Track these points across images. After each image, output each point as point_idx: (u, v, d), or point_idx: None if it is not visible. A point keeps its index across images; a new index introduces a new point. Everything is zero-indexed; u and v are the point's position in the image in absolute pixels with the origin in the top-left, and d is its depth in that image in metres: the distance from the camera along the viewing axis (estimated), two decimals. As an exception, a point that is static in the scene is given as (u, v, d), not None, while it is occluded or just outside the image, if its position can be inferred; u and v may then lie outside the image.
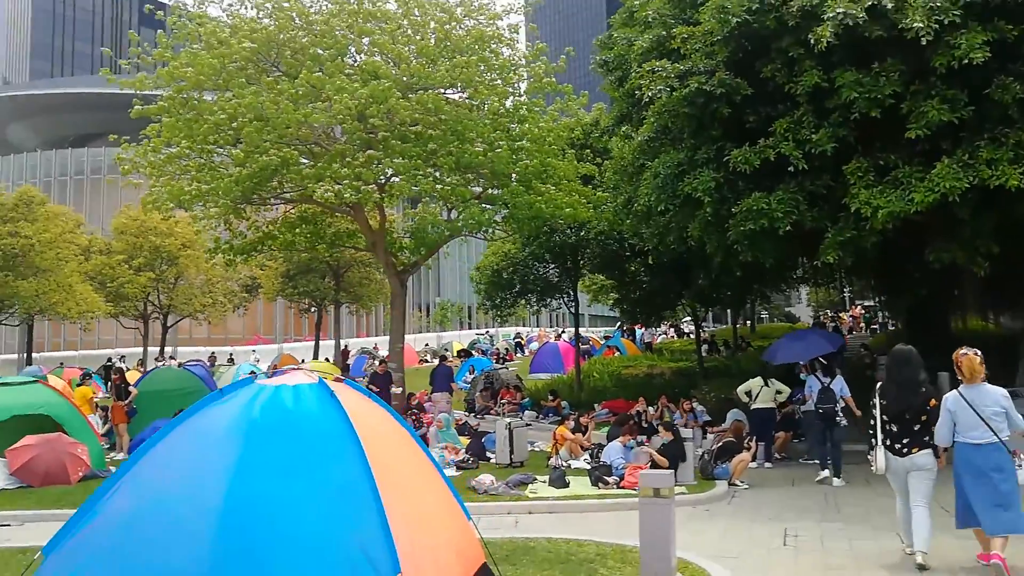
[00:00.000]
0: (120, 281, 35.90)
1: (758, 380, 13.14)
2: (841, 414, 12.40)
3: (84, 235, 38.24)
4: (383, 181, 16.23)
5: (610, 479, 10.01)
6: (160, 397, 15.53)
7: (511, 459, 12.19)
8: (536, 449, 14.05)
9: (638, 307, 23.87)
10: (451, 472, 11.89)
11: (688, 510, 9.30)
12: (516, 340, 45.99)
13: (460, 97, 17.18)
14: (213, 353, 44.82)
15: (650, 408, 17.20)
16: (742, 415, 14.02)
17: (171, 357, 38.23)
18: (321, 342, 47.79)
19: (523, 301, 24.40)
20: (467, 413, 22.95)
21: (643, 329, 38.57)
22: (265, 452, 3.93)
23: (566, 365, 29.05)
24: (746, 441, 11.06)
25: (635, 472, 9.99)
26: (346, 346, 44.99)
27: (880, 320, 44.16)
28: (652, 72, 11.59)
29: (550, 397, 20.93)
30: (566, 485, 10.16)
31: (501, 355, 39.02)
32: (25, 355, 39.07)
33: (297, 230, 20.78)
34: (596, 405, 21.00)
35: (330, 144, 15.99)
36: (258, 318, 64.52)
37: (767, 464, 12.89)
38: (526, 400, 22.18)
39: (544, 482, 10.43)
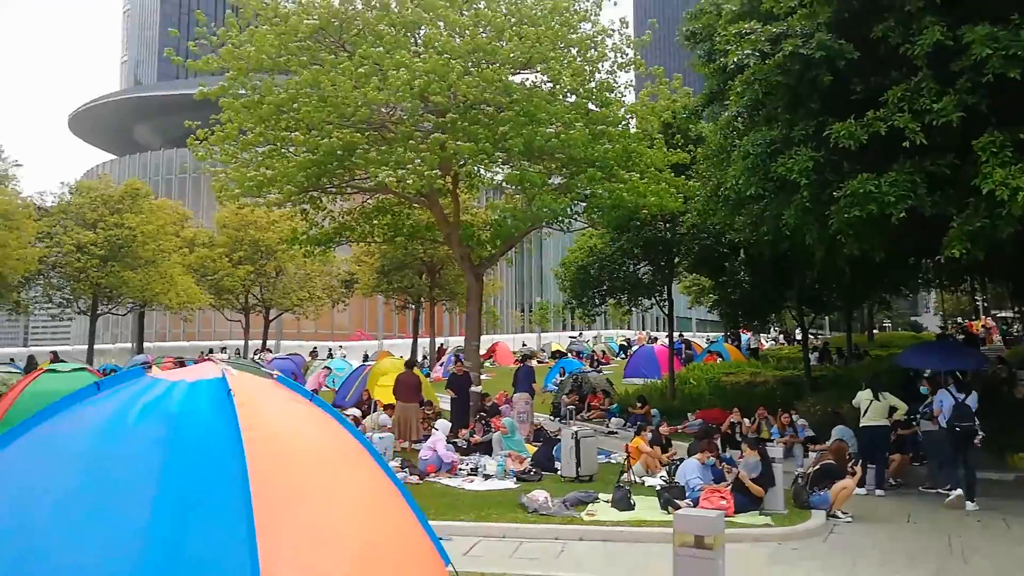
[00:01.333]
0: (221, 274, 36.72)
1: (867, 393, 11.36)
2: (980, 432, 10.63)
3: (190, 229, 39.42)
4: (453, 169, 15.27)
5: (682, 503, 8.60)
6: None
7: (577, 472, 10.94)
8: (612, 461, 12.74)
9: (738, 310, 22.00)
10: (508, 484, 10.77)
11: (772, 548, 7.81)
12: (621, 343, 44.34)
13: (533, 78, 16.06)
14: (315, 348, 45.56)
15: (746, 420, 15.53)
16: (849, 432, 12.25)
17: (267, 350, 38.85)
18: (420, 339, 47.89)
19: (612, 301, 22.97)
20: (552, 418, 21.80)
21: (749, 334, 36.32)
22: (124, 465, 2.95)
23: (662, 370, 27.36)
24: (850, 465, 9.39)
25: (712, 495, 8.57)
26: (442, 344, 44.71)
27: (1017, 332, 39.91)
28: (740, 36, 10.07)
29: (638, 404, 19.46)
30: (631, 507, 8.83)
31: (596, 358, 37.51)
32: (136, 344, 40.67)
33: (375, 221, 20.25)
34: (689, 414, 19.41)
35: (396, 127, 15.17)
36: (363, 314, 65.59)
37: (879, 491, 11.10)
38: (614, 406, 20.79)
39: (608, 502, 9.13)
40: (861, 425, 11.35)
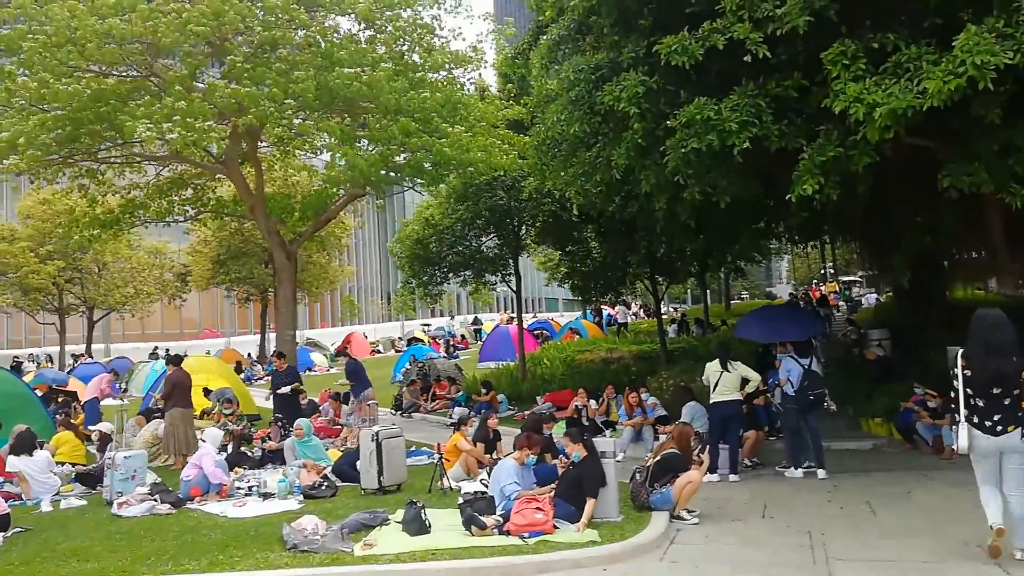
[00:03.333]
0: (24, 271, 32.07)
1: (715, 365, 9.84)
2: (829, 399, 9.69)
3: (-15, 224, 34.38)
4: (241, 124, 12.70)
5: (488, 520, 6.64)
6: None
7: (380, 483, 8.78)
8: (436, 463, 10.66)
9: (590, 282, 20.46)
10: (290, 504, 8.49)
11: (596, 575, 5.95)
12: (475, 327, 42.47)
13: (350, 26, 13.72)
14: (155, 348, 41.23)
15: (592, 402, 13.90)
16: (701, 410, 10.75)
17: (80, 356, 34.50)
18: (271, 334, 44.40)
19: (457, 279, 20.94)
20: (393, 411, 19.59)
21: (612, 310, 35.35)
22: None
23: (518, 350, 25.69)
24: (696, 452, 7.74)
25: (526, 507, 6.64)
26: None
27: (857, 296, 41.03)
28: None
29: (483, 390, 17.57)
30: (425, 530, 6.76)
31: (452, 343, 35.54)
32: (-73, 358, 35.21)
33: (173, 197, 17.32)
34: (538, 398, 17.71)
35: (166, 75, 12.44)
36: (213, 310, 60.82)
37: (732, 477, 9.61)
38: (460, 394, 18.82)
39: (399, 523, 7.03)
40: (711, 401, 9.84)
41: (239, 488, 9.08)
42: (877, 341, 15.11)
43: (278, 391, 13.61)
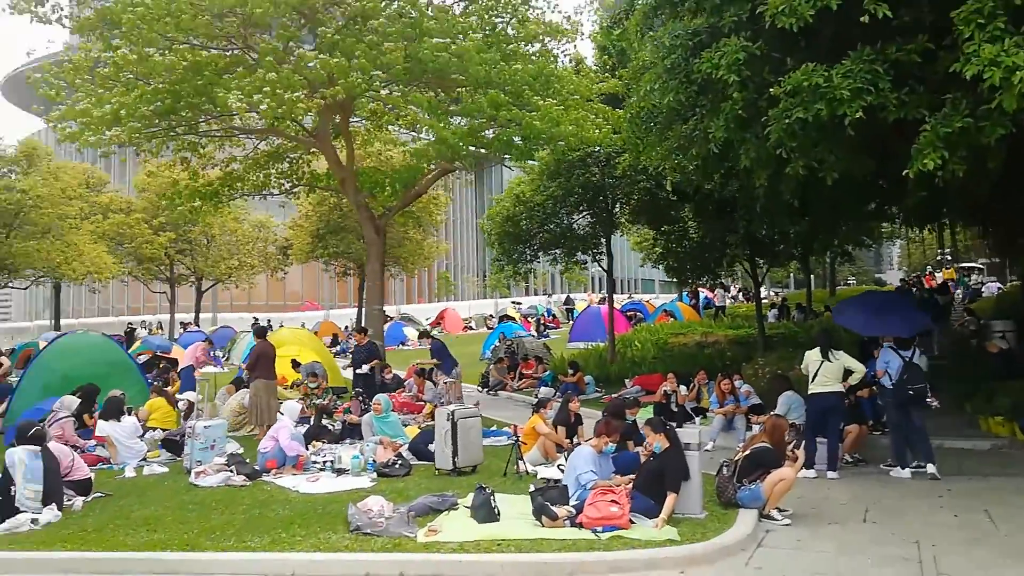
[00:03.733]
0: (139, 241, 33.70)
1: (816, 353, 9.12)
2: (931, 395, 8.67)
3: (107, 194, 36.24)
4: (328, 95, 12.63)
5: (560, 511, 6.28)
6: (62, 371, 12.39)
7: (454, 464, 8.55)
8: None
9: (686, 263, 19.69)
10: (362, 481, 8.37)
11: (672, 576, 5.50)
12: (567, 306, 42.02)
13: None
14: (256, 319, 42.80)
15: (682, 387, 13.29)
16: (798, 400, 10.04)
17: (185, 324, 36.03)
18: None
19: (547, 257, 20.55)
20: (480, 388, 19.49)
21: (709, 292, 34.18)
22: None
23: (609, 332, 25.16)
24: (790, 448, 7.12)
25: (601, 499, 6.25)
26: (384, 312, 42.26)
27: (976, 284, 38.09)
28: None
29: (569, 371, 17.18)
30: (495, 517, 6.47)
31: (544, 321, 35.23)
32: (53, 321, 37.61)
33: (270, 170, 17.61)
34: (627, 380, 17.21)
35: (260, 47, 12.48)
36: (314, 283, 62.66)
37: (831, 474, 8.90)
38: (547, 374, 18.51)
39: (468, 508, 6.76)
40: (809, 392, 9.14)
41: (315, 462, 9.05)
42: (1000, 332, 13.85)
43: (357, 371, 13.64)
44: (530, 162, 20.96)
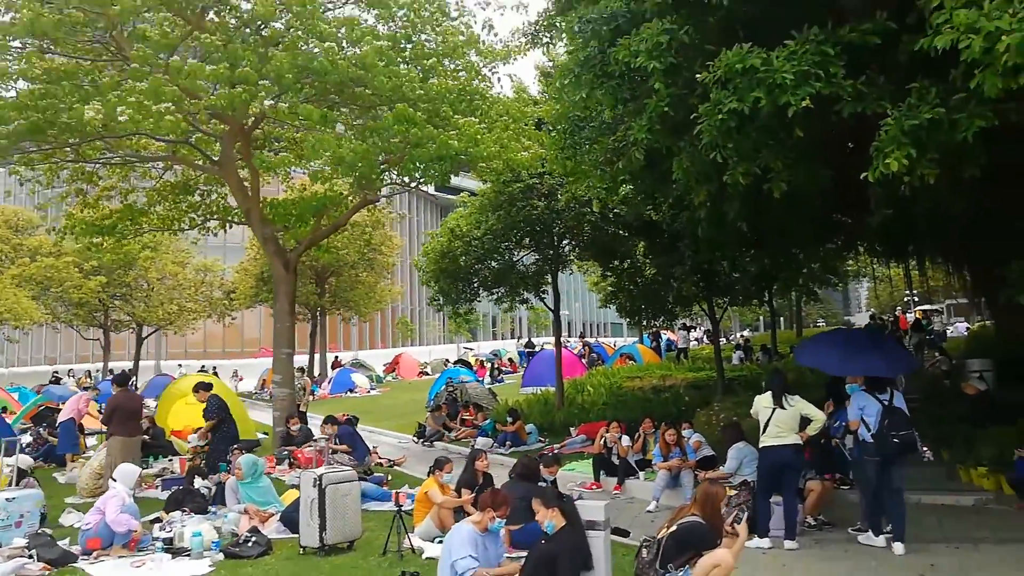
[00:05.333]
0: (67, 286, 31.67)
1: (767, 399, 7.64)
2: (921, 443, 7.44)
3: (35, 237, 34.26)
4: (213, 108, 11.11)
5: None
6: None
7: (322, 540, 6.87)
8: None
9: (640, 302, 18.27)
10: (200, 569, 6.62)
11: None
12: (528, 349, 40.38)
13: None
14: (203, 366, 40.64)
15: (624, 439, 11.71)
16: (753, 453, 8.49)
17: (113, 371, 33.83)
18: (329, 353, 43.34)
19: (490, 297, 19.05)
20: (416, 439, 17.77)
21: (673, 335, 32.81)
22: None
23: (564, 375, 23.59)
24: (729, 521, 5.57)
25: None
26: (336, 357, 40.31)
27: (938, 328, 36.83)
28: None
29: (509, 420, 15.57)
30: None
31: (498, 366, 33.59)
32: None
33: (178, 203, 16.01)
34: (572, 429, 15.62)
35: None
36: (270, 328, 60.54)
37: (788, 543, 7.35)
38: (487, 422, 16.85)
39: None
40: (761, 445, 7.63)
41: (156, 539, 7.30)
42: (978, 373, 12.51)
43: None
44: (471, 195, 19.69)
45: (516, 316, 73.62)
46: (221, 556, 6.86)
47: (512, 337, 65.36)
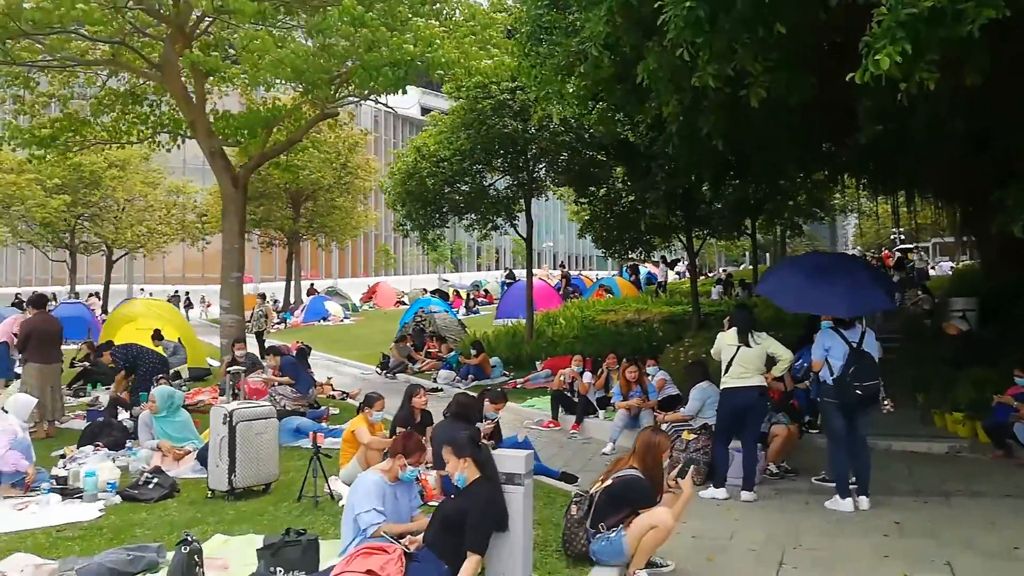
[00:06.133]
0: (29, 204, 30.44)
1: (730, 335, 6.90)
2: (885, 394, 6.70)
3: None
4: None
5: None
6: None
7: (231, 483, 6.18)
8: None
9: (616, 232, 17.43)
10: (90, 512, 5.91)
11: None
12: (509, 280, 39.66)
13: None
14: (176, 291, 39.74)
15: (586, 374, 11.04)
16: (716, 394, 7.77)
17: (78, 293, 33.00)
18: (304, 281, 42.49)
19: (462, 222, 18.17)
20: (379, 371, 17.14)
21: (654, 268, 32.06)
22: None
23: (538, 306, 22.93)
24: (672, 475, 4.85)
25: (356, 567, 3.92)
26: (312, 285, 39.47)
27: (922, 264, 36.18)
28: None
29: (472, 352, 14.90)
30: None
31: (474, 297, 32.91)
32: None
33: (126, 113, 14.90)
34: (538, 363, 14.99)
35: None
36: (250, 255, 59.41)
37: (745, 495, 6.71)
38: (452, 354, 16.18)
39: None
40: (723, 387, 6.91)
41: (54, 477, 6.59)
42: (960, 312, 11.84)
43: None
44: (442, 112, 18.58)
45: (500, 246, 72.69)
46: (118, 499, 6.15)
47: (497, 268, 64.52)
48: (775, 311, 16.01)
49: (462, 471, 4.25)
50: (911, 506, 6.38)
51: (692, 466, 4.75)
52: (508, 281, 38.32)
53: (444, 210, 17.25)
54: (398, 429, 7.22)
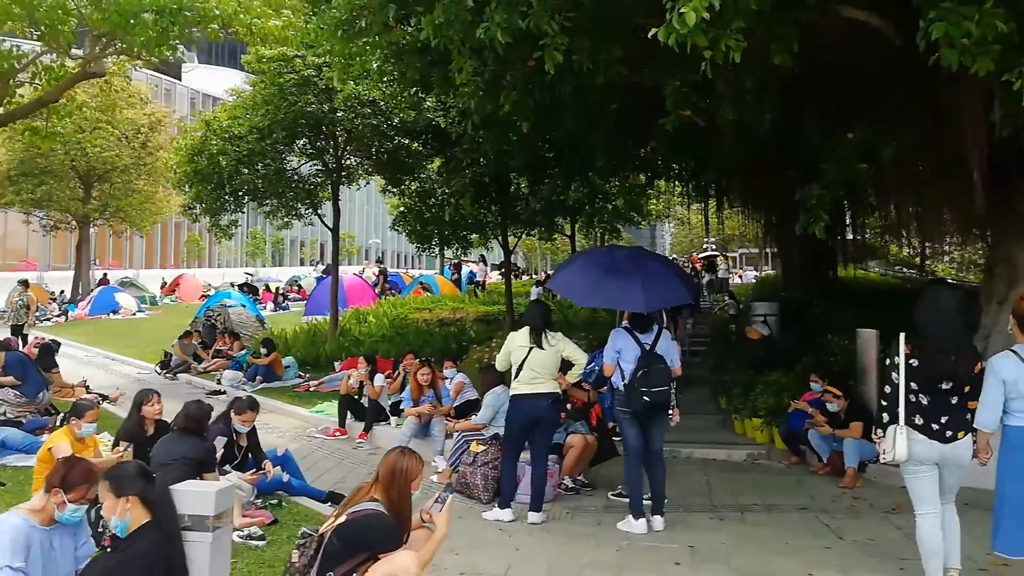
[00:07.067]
0: None
1: (522, 335, 6.10)
2: (675, 400, 5.92)
3: None
4: None
5: None
6: None
7: None
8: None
9: (431, 227, 16.46)
10: None
11: None
12: (322, 276, 37.70)
13: None
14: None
15: (378, 377, 9.96)
16: (505, 400, 6.93)
17: None
18: (96, 271, 38.20)
19: (262, 208, 16.50)
20: (159, 370, 15.15)
21: (475, 266, 31.51)
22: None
23: (350, 303, 21.59)
24: (425, 508, 3.88)
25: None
26: (104, 275, 35.54)
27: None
28: None
29: (263, 351, 13.38)
30: None
31: (284, 292, 30.92)
32: None
33: None
34: (337, 364, 13.74)
35: None
36: (41, 241, 53.13)
37: (533, 516, 5.91)
38: (243, 352, 14.53)
39: None
40: (512, 393, 6.08)
41: None
42: (762, 317, 11.88)
43: None
44: (244, 88, 16.83)
45: (325, 240, 69.78)
46: None
47: (322, 263, 61.77)
48: (590, 312, 15.75)
49: (123, 514, 3.06)
50: (706, 525, 5.84)
51: (451, 495, 3.81)
52: (323, 277, 36.49)
53: (240, 194, 15.55)
54: (121, 444, 5.86)
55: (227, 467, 5.62)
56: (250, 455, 6.02)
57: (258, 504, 5.53)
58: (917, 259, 28.92)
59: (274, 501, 5.64)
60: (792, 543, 5.36)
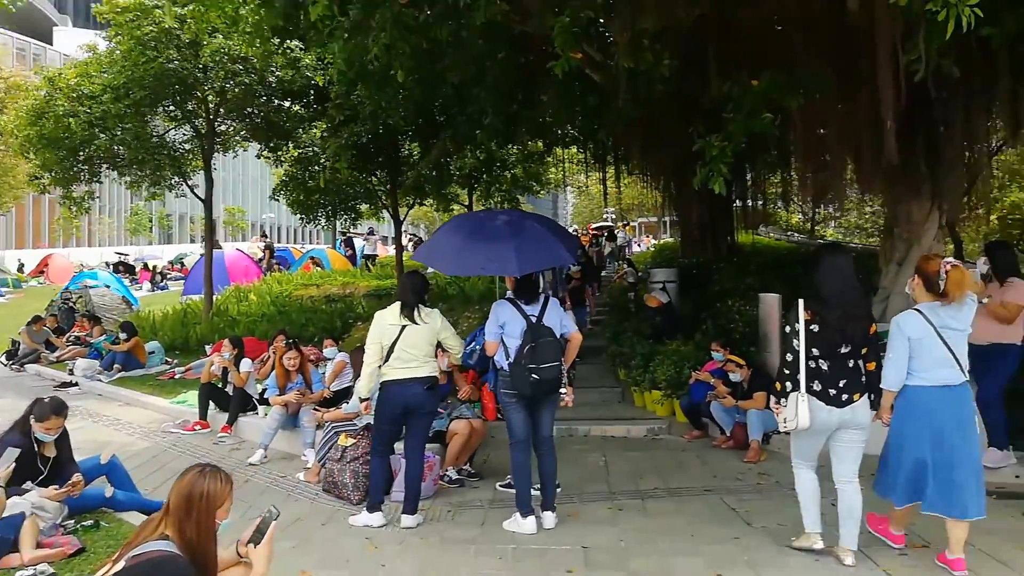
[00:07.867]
0: None
1: (392, 313, 5.29)
2: (567, 380, 5.14)
3: None
4: None
5: None
6: None
7: None
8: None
9: (312, 196, 15.30)
10: None
11: None
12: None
13: None
14: None
15: (244, 362, 8.90)
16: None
17: None
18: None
19: (124, 179, 14.93)
20: (5, 361, 13.57)
21: (369, 239, 30.18)
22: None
23: (232, 280, 20.18)
24: (244, 540, 3.07)
25: None
26: (-40, 256, 32.50)
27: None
28: None
29: (122, 336, 12.04)
30: None
31: (163, 271, 28.91)
32: None
33: None
34: (208, 347, 12.54)
35: None
36: None
37: (407, 519, 5.13)
38: (101, 338, 13.09)
39: None
40: (382, 379, 5.25)
41: None
42: (661, 284, 11.42)
43: None
44: (99, 43, 15.13)
45: (216, 216, 66.45)
46: None
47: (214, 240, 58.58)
48: (491, 280, 15.02)
49: None
50: (603, 517, 5.21)
51: (273, 522, 2.99)
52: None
53: (96, 161, 13.99)
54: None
55: (27, 484, 4.59)
56: (64, 467, 4.98)
57: (68, 527, 4.54)
58: (808, 224, 29.65)
59: (88, 522, 4.65)
60: (697, 535, 4.79)
